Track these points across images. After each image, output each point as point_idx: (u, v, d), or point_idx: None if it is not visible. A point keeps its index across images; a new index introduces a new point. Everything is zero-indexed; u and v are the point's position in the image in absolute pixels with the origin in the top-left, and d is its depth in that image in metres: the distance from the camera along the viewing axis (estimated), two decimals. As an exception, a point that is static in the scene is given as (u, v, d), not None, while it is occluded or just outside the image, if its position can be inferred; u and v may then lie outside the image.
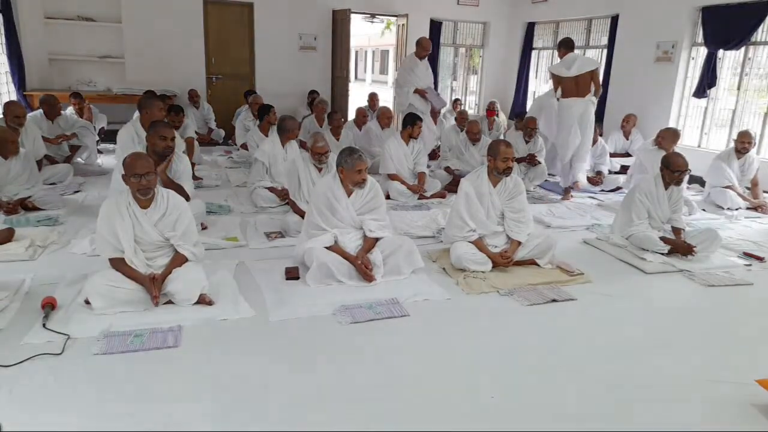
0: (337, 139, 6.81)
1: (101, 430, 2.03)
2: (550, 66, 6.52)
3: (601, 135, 6.80)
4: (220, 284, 3.21)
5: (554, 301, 3.32)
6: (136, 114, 4.86)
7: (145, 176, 2.88)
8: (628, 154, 7.55)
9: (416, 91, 6.85)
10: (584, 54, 9.34)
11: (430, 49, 6.97)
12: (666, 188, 4.30)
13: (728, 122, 7.39)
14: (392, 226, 3.95)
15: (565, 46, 6.00)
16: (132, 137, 4.46)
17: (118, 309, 2.83)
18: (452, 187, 5.59)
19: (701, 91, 7.30)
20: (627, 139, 7.67)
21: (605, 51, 8.83)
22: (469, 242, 3.76)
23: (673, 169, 4.20)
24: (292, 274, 3.46)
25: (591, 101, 5.79)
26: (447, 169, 6.36)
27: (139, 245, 2.99)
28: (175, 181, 4.07)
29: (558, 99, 5.92)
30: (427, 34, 10.21)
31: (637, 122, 7.69)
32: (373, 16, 14.56)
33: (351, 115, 8.50)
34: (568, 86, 5.82)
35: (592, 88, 5.72)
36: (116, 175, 4.07)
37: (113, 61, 8.77)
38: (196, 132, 7.13)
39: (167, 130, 3.90)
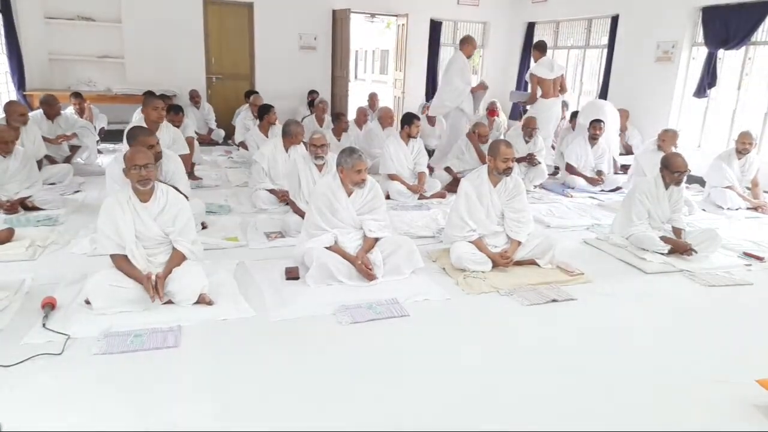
0: (339, 140, 6.82)
1: (101, 430, 2.03)
2: (532, 68, 6.69)
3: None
4: (220, 284, 3.21)
5: (554, 301, 3.32)
6: (140, 115, 4.85)
7: (144, 167, 2.91)
8: (627, 153, 7.56)
9: (474, 89, 6.78)
10: (584, 54, 9.46)
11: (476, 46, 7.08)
12: (666, 188, 4.30)
13: (728, 122, 7.38)
14: (392, 226, 3.95)
15: (540, 49, 6.51)
16: None
17: (118, 308, 2.83)
18: (452, 187, 5.59)
19: (701, 91, 7.30)
20: (623, 134, 7.70)
21: (605, 51, 8.83)
22: (469, 242, 3.76)
23: (672, 170, 4.20)
24: (292, 274, 3.46)
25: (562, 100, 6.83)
26: (447, 169, 6.35)
27: (140, 241, 3.00)
28: (167, 183, 4.05)
29: (535, 99, 6.60)
30: (427, 34, 10.24)
31: (629, 116, 7.72)
32: (373, 15, 14.57)
33: (351, 115, 8.50)
34: (548, 87, 6.42)
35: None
36: (109, 180, 4.04)
37: (113, 61, 8.77)
38: (195, 132, 7.13)
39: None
